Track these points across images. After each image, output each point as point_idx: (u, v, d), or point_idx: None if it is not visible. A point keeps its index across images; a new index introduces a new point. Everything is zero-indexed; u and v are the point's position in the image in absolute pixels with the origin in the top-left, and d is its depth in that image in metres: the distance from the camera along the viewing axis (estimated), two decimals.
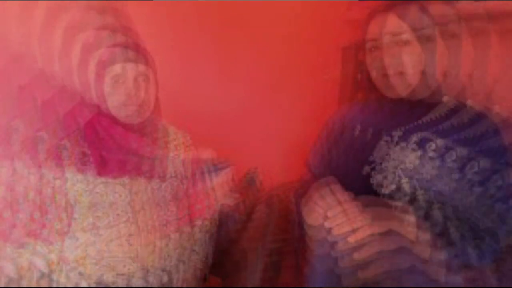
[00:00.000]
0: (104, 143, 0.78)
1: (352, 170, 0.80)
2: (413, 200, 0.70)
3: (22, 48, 0.69)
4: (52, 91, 0.71)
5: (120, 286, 0.77)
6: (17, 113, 0.72)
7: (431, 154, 0.71)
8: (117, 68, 0.75)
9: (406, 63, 0.73)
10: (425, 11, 0.72)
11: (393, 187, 0.73)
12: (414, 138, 0.73)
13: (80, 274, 0.75)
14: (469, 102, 0.74)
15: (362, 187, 0.75)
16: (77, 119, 0.75)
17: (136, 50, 0.78)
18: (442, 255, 0.66)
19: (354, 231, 0.65)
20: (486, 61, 0.73)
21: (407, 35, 0.72)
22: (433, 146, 0.71)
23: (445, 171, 0.69)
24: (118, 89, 0.76)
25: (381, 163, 0.75)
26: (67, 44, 0.71)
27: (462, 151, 0.69)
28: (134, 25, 0.80)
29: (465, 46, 0.72)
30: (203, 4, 1.41)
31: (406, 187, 0.71)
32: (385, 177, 0.74)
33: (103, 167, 0.76)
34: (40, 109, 0.72)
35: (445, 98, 0.76)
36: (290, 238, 0.92)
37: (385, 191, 0.73)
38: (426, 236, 0.65)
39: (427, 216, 0.67)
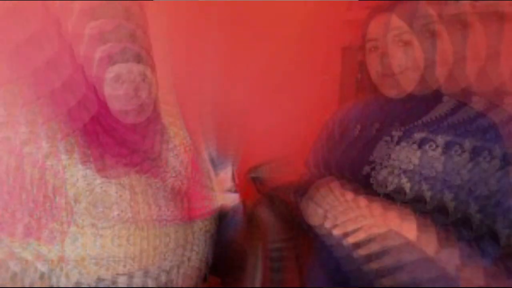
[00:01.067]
0: (105, 142, 0.78)
1: (352, 170, 0.80)
2: (413, 200, 0.70)
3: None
4: (66, 75, 0.70)
5: (120, 286, 0.77)
6: (32, 98, 0.71)
7: (431, 154, 0.71)
8: (117, 67, 0.75)
9: (406, 63, 0.73)
10: (425, 11, 0.72)
11: (393, 187, 0.73)
12: (414, 137, 0.73)
13: (80, 274, 0.75)
14: (475, 99, 0.73)
15: (362, 187, 0.75)
16: (80, 116, 0.75)
17: (137, 50, 0.78)
18: (444, 254, 0.66)
19: (354, 231, 0.65)
20: (494, 56, 0.73)
21: (407, 35, 0.72)
22: (433, 145, 0.71)
23: (444, 171, 0.69)
24: (118, 89, 0.76)
25: (381, 163, 0.75)
26: (78, 29, 0.71)
27: (462, 150, 0.69)
28: (147, 25, 0.79)
29: (470, 41, 0.72)
30: (203, 4, 1.41)
31: (406, 187, 0.71)
32: (385, 177, 0.74)
33: (103, 167, 0.76)
34: (52, 96, 0.71)
35: (445, 98, 0.76)
36: (290, 238, 0.92)
37: (385, 191, 0.73)
38: (427, 235, 0.65)
39: (427, 216, 0.67)
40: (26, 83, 0.70)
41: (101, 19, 0.72)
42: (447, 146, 0.70)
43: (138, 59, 0.77)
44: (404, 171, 0.72)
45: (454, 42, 0.71)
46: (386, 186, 0.73)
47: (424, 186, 0.70)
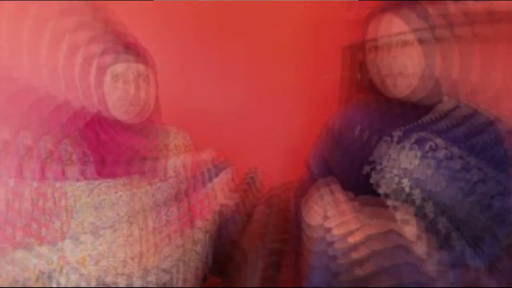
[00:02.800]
0: (105, 143, 0.78)
1: (352, 170, 0.80)
2: (413, 199, 0.70)
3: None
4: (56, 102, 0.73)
5: (120, 286, 0.77)
6: (24, 126, 0.73)
7: (430, 154, 0.71)
8: (117, 68, 0.76)
9: (406, 64, 0.73)
10: (425, 12, 0.72)
11: (393, 187, 0.73)
12: (414, 138, 0.73)
13: (80, 274, 0.75)
14: (468, 103, 0.74)
15: (362, 187, 0.75)
16: (78, 120, 0.76)
17: (136, 51, 0.78)
18: (441, 255, 0.66)
19: (353, 231, 0.65)
20: (485, 62, 0.73)
21: (407, 36, 0.72)
22: (433, 146, 0.71)
23: (445, 171, 0.69)
24: (118, 89, 0.77)
25: (381, 163, 0.75)
26: (69, 55, 0.72)
27: (461, 150, 0.69)
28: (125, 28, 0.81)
29: (464, 46, 0.72)
30: (203, 5, 1.41)
31: (406, 187, 0.71)
32: (385, 177, 0.74)
33: (103, 168, 0.76)
34: (45, 118, 0.73)
35: (445, 98, 0.76)
36: (290, 238, 0.92)
37: (385, 191, 0.73)
38: (425, 235, 0.65)
39: (427, 216, 0.67)
40: (16, 119, 0.73)
41: (89, 34, 0.73)
42: (447, 146, 0.70)
43: (136, 59, 0.77)
44: (404, 171, 0.72)
45: (447, 47, 0.71)
46: (386, 186, 0.73)
47: (424, 186, 0.70)
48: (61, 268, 0.74)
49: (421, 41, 0.72)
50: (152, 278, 0.81)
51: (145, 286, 0.80)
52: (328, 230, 0.68)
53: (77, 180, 0.75)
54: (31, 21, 0.71)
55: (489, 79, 0.73)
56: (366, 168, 0.77)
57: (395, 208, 0.69)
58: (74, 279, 0.75)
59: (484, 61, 0.72)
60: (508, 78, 0.74)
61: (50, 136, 0.74)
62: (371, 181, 0.75)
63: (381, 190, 0.74)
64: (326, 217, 0.69)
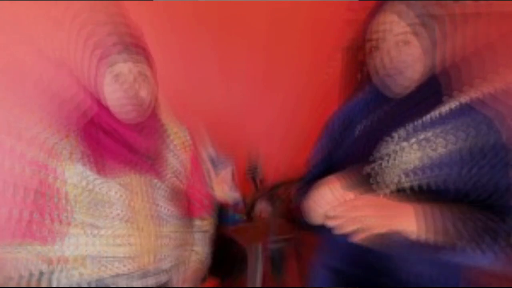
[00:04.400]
0: (104, 142, 0.78)
1: (353, 170, 0.80)
2: (413, 199, 0.70)
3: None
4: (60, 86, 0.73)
5: (120, 286, 0.77)
6: (27, 110, 0.73)
7: (431, 154, 0.71)
8: (117, 68, 0.76)
9: (406, 63, 0.73)
10: (424, 10, 0.72)
11: (393, 187, 0.73)
12: (414, 137, 0.73)
13: (80, 274, 0.75)
14: (466, 99, 0.74)
15: (362, 187, 0.75)
16: (78, 118, 0.76)
17: (136, 50, 0.78)
18: (441, 254, 0.66)
19: (355, 231, 0.65)
20: (485, 56, 0.73)
21: (407, 34, 0.72)
22: (433, 145, 0.71)
23: (445, 171, 0.69)
24: (118, 89, 0.77)
25: (381, 163, 0.75)
26: (78, 43, 0.73)
27: (462, 150, 0.69)
28: (135, 26, 0.80)
29: (464, 42, 0.72)
30: (203, 4, 1.41)
31: (406, 186, 0.71)
32: (385, 177, 0.74)
33: (103, 167, 0.76)
34: (48, 105, 0.73)
35: (445, 98, 0.76)
36: (291, 238, 0.92)
37: (385, 191, 0.73)
38: (427, 235, 0.65)
39: (427, 216, 0.67)
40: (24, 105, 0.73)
41: (94, 27, 0.73)
42: (447, 146, 0.70)
43: (136, 58, 0.77)
44: (404, 171, 0.72)
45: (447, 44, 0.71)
46: (386, 186, 0.73)
47: (424, 186, 0.70)
48: (61, 267, 0.74)
49: (420, 40, 0.72)
50: (151, 278, 0.81)
51: (144, 286, 0.80)
52: (329, 230, 0.68)
53: (78, 180, 0.75)
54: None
55: (490, 73, 0.73)
56: (366, 168, 0.77)
57: (395, 207, 0.69)
58: (74, 278, 0.75)
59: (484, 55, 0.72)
60: (507, 71, 0.74)
61: (50, 130, 0.74)
62: (371, 181, 0.75)
63: (381, 190, 0.74)
64: (327, 217, 0.69)
